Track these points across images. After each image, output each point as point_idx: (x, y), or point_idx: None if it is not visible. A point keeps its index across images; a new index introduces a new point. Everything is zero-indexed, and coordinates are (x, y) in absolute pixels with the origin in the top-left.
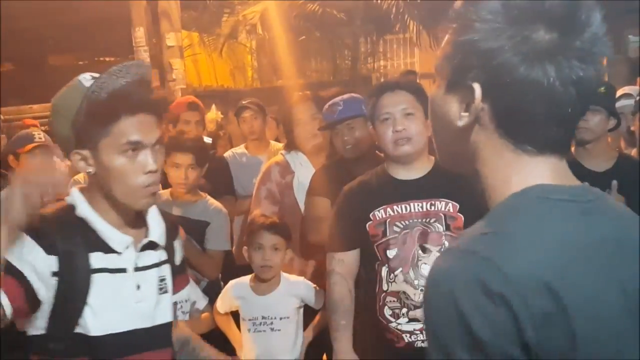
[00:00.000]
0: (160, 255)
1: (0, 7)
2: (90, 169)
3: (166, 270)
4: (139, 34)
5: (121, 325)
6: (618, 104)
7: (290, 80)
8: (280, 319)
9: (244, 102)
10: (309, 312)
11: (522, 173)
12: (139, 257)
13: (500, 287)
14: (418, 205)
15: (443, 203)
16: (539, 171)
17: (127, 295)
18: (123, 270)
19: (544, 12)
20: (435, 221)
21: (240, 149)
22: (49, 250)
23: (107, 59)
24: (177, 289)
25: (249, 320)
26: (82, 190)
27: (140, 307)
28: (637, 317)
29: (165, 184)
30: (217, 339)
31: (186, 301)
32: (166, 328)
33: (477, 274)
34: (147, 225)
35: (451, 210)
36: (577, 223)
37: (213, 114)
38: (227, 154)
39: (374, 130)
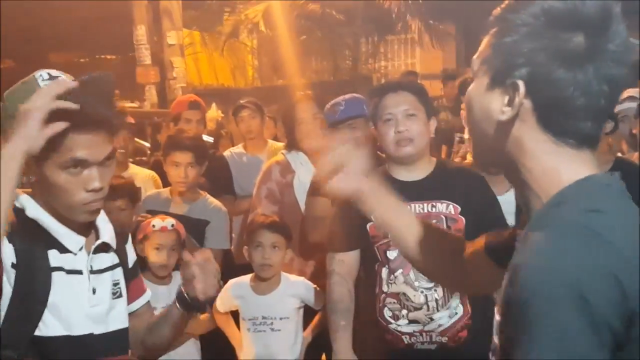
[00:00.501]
0: (112, 258)
1: (0, 5)
2: (32, 177)
3: (119, 273)
4: (140, 31)
5: (76, 328)
6: (621, 107)
7: (290, 80)
8: (281, 319)
9: (242, 102)
10: (308, 313)
11: (570, 164)
12: (92, 259)
13: (622, 274)
14: (419, 206)
15: (444, 205)
16: (585, 163)
17: (82, 297)
18: (79, 272)
19: (582, 19)
20: (436, 223)
21: (238, 148)
22: (9, 239)
23: (108, 56)
24: (132, 295)
25: (249, 320)
26: (29, 194)
27: (95, 311)
28: None
29: (166, 183)
30: (218, 338)
31: None
32: (121, 335)
33: (608, 265)
34: (97, 228)
35: (452, 212)
36: (634, 206)
37: (213, 113)
38: (226, 154)
39: (376, 130)
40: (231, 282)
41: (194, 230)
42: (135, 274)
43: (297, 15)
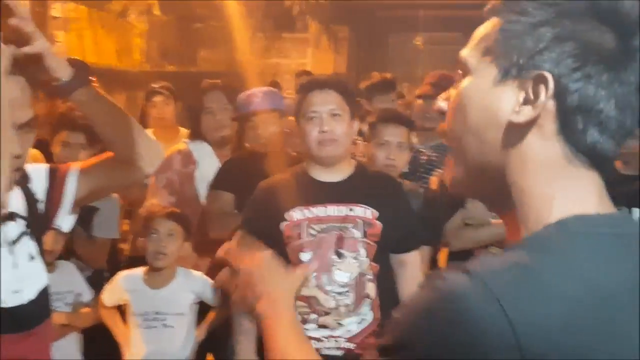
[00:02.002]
0: (20, 224)
1: None
2: None
3: (30, 234)
4: (23, 1)
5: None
6: None
7: (181, 67)
8: (174, 315)
9: (155, 86)
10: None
11: (571, 192)
12: (4, 231)
13: (497, 328)
14: (336, 209)
15: (362, 209)
16: (587, 191)
17: (6, 272)
18: None
19: (620, 16)
20: (352, 227)
21: None
22: None
23: None
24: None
25: (140, 315)
26: None
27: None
28: None
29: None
30: (101, 334)
31: (69, 292)
32: (40, 301)
33: (474, 303)
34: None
35: (370, 216)
36: (615, 265)
37: None
38: None
39: (299, 127)
40: (122, 273)
41: (81, 217)
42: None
43: (198, 1)
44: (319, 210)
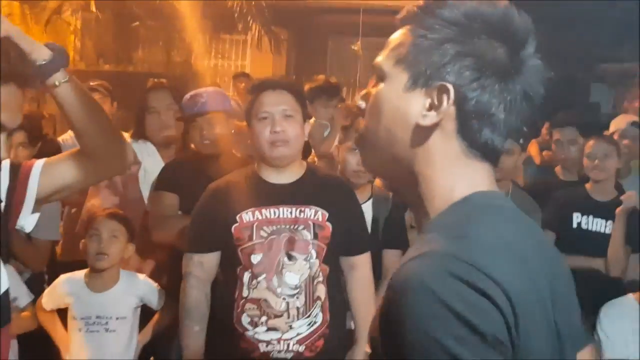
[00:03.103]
0: None
1: None
2: None
3: None
4: None
5: None
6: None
7: (117, 66)
8: (117, 318)
9: (91, 84)
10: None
11: (468, 178)
12: None
13: (484, 284)
14: (287, 210)
15: (313, 210)
16: (481, 177)
17: None
18: None
19: (510, 31)
20: (303, 228)
21: None
22: None
23: None
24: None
25: (81, 319)
26: None
27: None
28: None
29: None
30: (38, 339)
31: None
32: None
33: (461, 274)
34: None
35: (320, 218)
36: (515, 227)
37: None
38: (64, 137)
39: (249, 128)
40: (63, 277)
41: None
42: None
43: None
44: (269, 212)
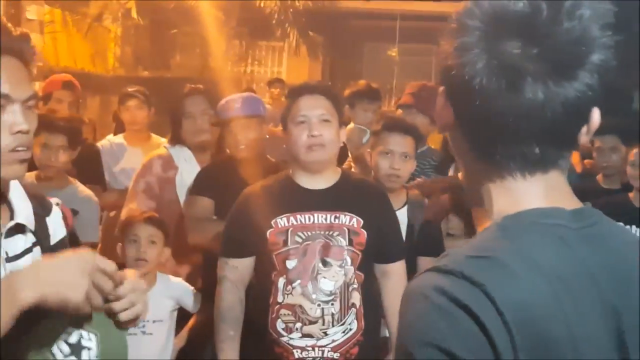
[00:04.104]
0: (29, 238)
1: None
2: None
3: (37, 254)
4: None
5: None
6: None
7: (155, 72)
8: (154, 321)
9: (129, 90)
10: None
11: (506, 193)
12: (7, 244)
13: (484, 314)
14: (322, 216)
15: (348, 217)
16: (529, 193)
17: None
18: None
19: (515, 28)
20: (338, 235)
21: (118, 138)
22: None
23: None
24: None
25: None
26: None
27: None
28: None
29: (31, 166)
30: None
31: None
32: None
33: (462, 296)
34: (11, 206)
35: (355, 225)
36: (568, 251)
37: None
38: (103, 142)
39: (286, 132)
40: None
41: None
42: (61, 250)
43: (174, 7)
44: (304, 218)
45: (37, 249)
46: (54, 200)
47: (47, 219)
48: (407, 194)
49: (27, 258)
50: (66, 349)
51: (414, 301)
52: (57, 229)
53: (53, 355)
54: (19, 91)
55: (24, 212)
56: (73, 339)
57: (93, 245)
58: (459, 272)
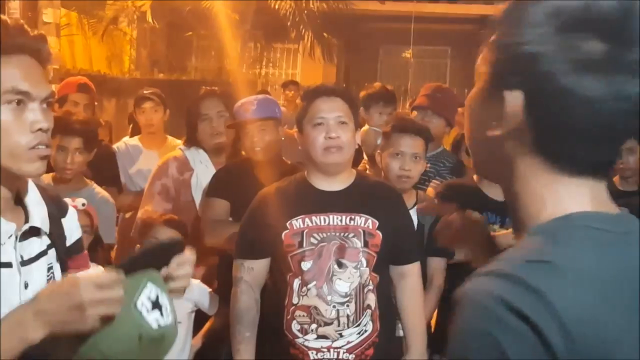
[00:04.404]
0: (44, 240)
1: None
2: None
3: (52, 256)
4: (14, 5)
5: None
6: None
7: (171, 75)
8: None
9: (145, 92)
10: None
11: (559, 196)
12: (22, 247)
13: (545, 325)
14: (337, 218)
15: (363, 218)
16: (578, 196)
17: (13, 294)
18: (8, 265)
19: (596, 20)
20: (353, 236)
21: (134, 140)
22: None
23: None
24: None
25: None
26: None
27: None
28: None
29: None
30: None
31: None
32: None
33: (523, 305)
34: (27, 209)
35: (370, 226)
36: (617, 259)
37: None
38: (119, 145)
39: (302, 134)
40: None
41: None
42: (77, 251)
43: (190, 10)
44: (319, 219)
45: (52, 251)
46: (79, 201)
47: (63, 220)
48: (416, 194)
49: (42, 261)
50: (149, 304)
51: (471, 310)
52: (73, 230)
53: (138, 310)
54: (37, 89)
55: (39, 215)
56: (152, 295)
57: (110, 247)
58: (518, 277)
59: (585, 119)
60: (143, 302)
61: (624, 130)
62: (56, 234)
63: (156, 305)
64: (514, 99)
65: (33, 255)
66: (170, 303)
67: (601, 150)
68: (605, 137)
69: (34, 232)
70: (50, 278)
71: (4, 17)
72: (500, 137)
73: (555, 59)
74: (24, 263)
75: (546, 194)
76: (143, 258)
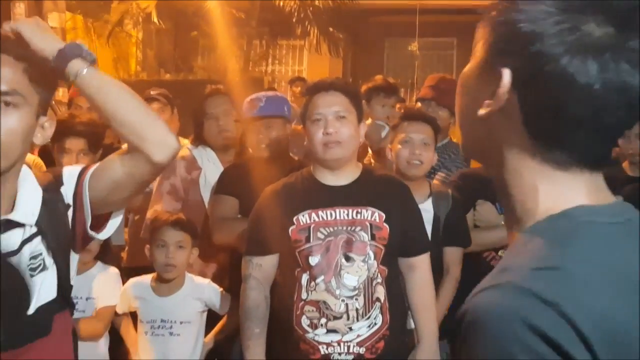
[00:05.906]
0: (27, 229)
1: None
2: None
3: (37, 243)
4: (19, 10)
5: None
6: None
7: (178, 75)
8: (181, 323)
9: (152, 93)
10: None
11: (553, 188)
12: (5, 239)
13: (562, 338)
14: (344, 212)
15: (370, 212)
16: (574, 188)
17: None
18: None
19: (599, 3)
20: (360, 230)
21: None
22: None
23: None
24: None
25: (147, 322)
26: None
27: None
28: None
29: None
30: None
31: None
32: (47, 311)
33: (537, 321)
34: (15, 200)
35: (377, 219)
36: (624, 250)
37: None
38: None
39: (305, 130)
40: (131, 281)
41: None
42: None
43: (195, 12)
44: (326, 214)
45: (38, 239)
46: None
47: (62, 189)
48: (430, 185)
49: (25, 250)
50: None
51: (491, 334)
52: (68, 190)
53: None
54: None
55: (25, 207)
56: None
57: (119, 249)
58: (527, 289)
59: (577, 104)
60: None
61: (620, 121)
62: (49, 224)
63: None
64: (507, 77)
65: (15, 248)
66: None
67: (594, 139)
68: (599, 126)
69: (15, 224)
70: (38, 268)
71: None
72: (491, 117)
73: (552, 38)
74: (5, 255)
75: (540, 186)
76: None
